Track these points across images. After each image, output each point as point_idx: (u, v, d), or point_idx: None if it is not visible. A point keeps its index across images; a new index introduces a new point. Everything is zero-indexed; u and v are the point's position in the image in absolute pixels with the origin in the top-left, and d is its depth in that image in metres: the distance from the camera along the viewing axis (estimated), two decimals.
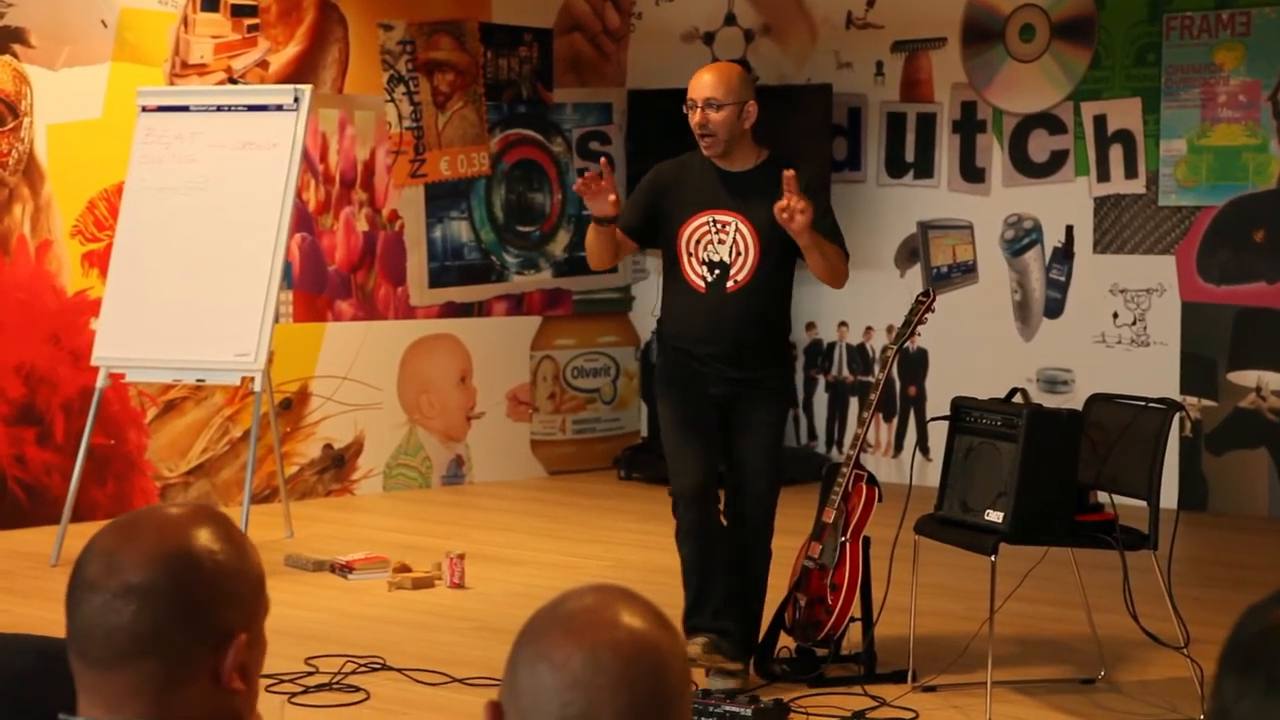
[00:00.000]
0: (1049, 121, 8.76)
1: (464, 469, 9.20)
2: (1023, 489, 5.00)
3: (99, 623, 1.71)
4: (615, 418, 9.83)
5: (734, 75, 5.25)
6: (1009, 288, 8.91)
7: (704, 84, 5.20)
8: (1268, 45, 8.15)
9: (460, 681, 5.29)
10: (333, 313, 8.68)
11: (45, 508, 7.57)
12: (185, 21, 8.13)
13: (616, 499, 8.82)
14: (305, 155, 7.75)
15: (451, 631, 5.98)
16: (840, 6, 9.33)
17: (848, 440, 9.20)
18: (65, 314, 7.76)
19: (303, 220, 8.49)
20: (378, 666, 5.44)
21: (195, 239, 7.12)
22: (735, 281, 5.21)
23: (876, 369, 9.19)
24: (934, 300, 5.53)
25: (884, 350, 9.03)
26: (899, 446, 9.20)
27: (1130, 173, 8.54)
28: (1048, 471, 5.02)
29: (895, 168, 9.24)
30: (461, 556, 6.70)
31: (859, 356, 9.40)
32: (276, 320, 7.28)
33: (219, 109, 7.32)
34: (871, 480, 5.38)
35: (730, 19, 9.68)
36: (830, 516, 5.35)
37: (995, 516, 5.06)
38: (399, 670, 5.41)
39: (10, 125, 7.66)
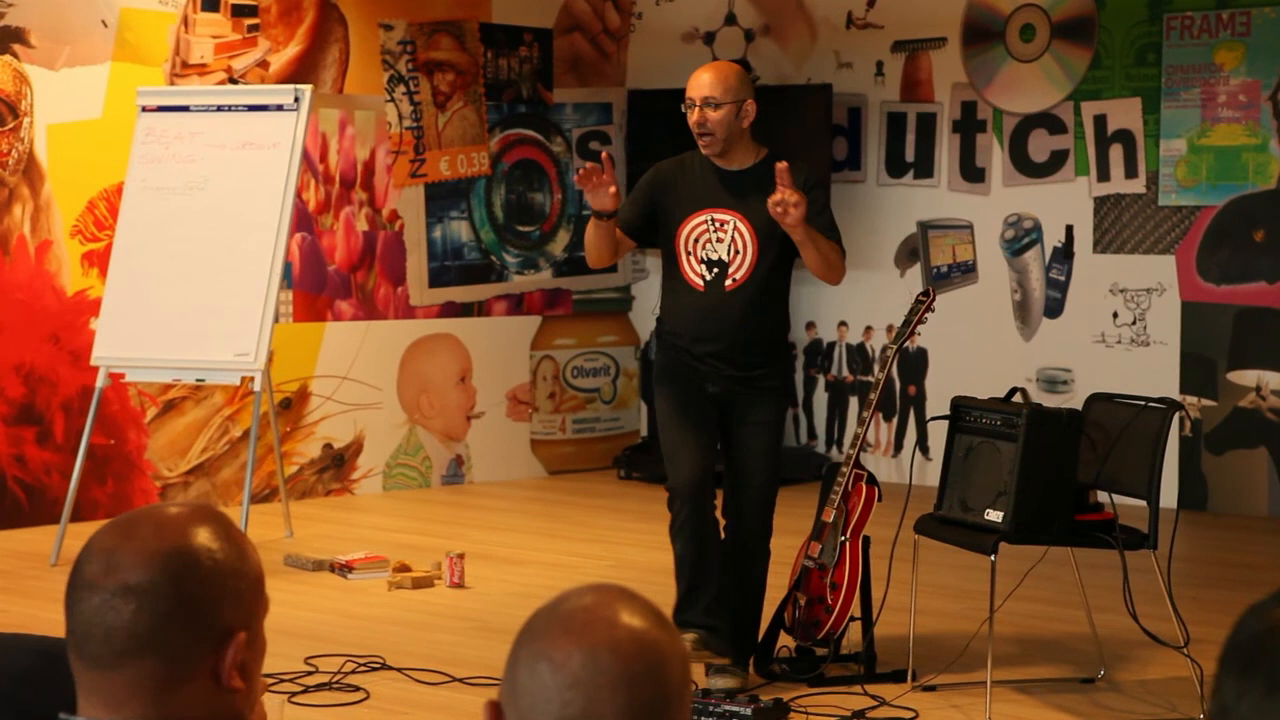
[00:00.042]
0: (1049, 121, 8.76)
1: (464, 469, 9.20)
2: (1023, 488, 5.00)
3: (98, 622, 1.71)
4: (615, 417, 9.84)
5: (732, 74, 5.24)
6: (1009, 287, 8.91)
7: (702, 83, 5.20)
8: (1268, 45, 8.15)
9: (460, 681, 5.29)
10: (333, 312, 8.68)
11: (45, 507, 7.57)
12: (185, 21, 8.13)
13: (616, 499, 8.82)
14: (305, 155, 7.75)
15: (451, 631, 5.98)
16: (840, 6, 9.33)
17: (847, 440, 9.21)
18: (65, 314, 7.76)
19: (303, 220, 8.49)
20: (378, 666, 5.44)
21: (195, 239, 7.12)
22: (734, 280, 5.21)
23: (876, 368, 9.19)
24: (934, 300, 5.53)
25: (884, 350, 9.04)
26: (899, 446, 9.20)
27: (1130, 172, 8.54)
28: (1048, 471, 5.02)
29: (895, 168, 9.24)
30: (461, 556, 6.70)
31: (859, 356, 9.40)
32: (276, 320, 7.29)
33: (219, 109, 7.32)
34: (871, 480, 5.38)
35: (730, 19, 9.68)
36: (830, 516, 5.35)
37: (995, 516, 5.06)
38: (399, 670, 5.41)
39: (10, 125, 7.66)
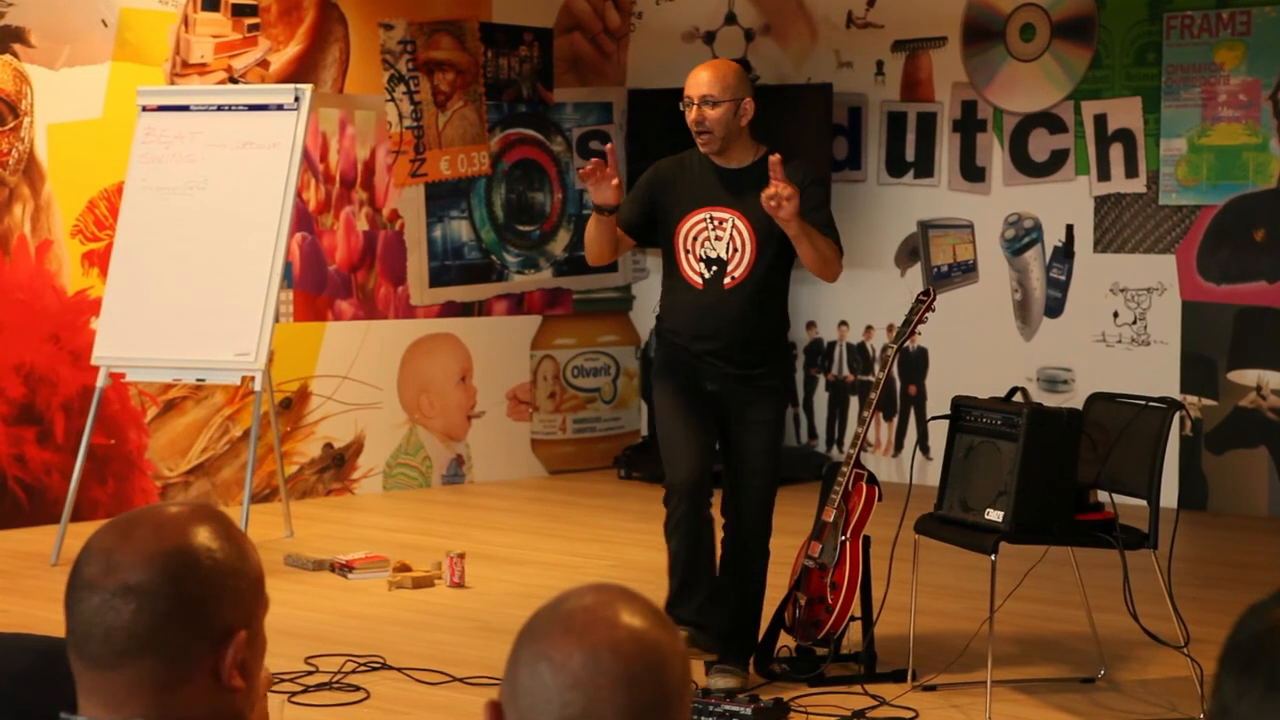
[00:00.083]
0: (1049, 121, 8.76)
1: (464, 468, 9.20)
2: (1023, 488, 4.99)
3: (98, 622, 1.71)
4: (615, 417, 9.83)
5: (730, 72, 5.24)
6: (1009, 287, 8.91)
7: (700, 81, 5.20)
8: (1268, 45, 8.15)
9: (460, 681, 5.29)
10: (333, 312, 8.68)
11: (45, 507, 7.57)
12: (185, 21, 8.13)
13: (616, 498, 8.82)
14: (305, 155, 7.75)
15: (451, 631, 5.98)
16: (840, 6, 9.33)
17: (848, 439, 9.21)
18: (65, 314, 7.76)
19: (303, 220, 8.49)
20: (378, 666, 5.44)
21: (195, 239, 7.12)
22: (732, 278, 5.21)
23: (877, 368, 9.19)
24: (934, 299, 5.53)
25: (884, 349, 9.04)
26: (899, 446, 9.20)
27: (1130, 172, 8.54)
28: (1048, 471, 5.02)
29: (895, 167, 9.24)
30: (461, 556, 6.70)
31: (859, 356, 9.40)
32: (277, 320, 7.28)
33: (219, 108, 7.32)
34: (872, 479, 5.38)
35: (730, 18, 9.68)
36: (830, 515, 5.35)
37: (995, 516, 5.06)
38: (399, 670, 5.41)
39: (10, 125, 7.66)
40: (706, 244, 5.24)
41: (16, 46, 7.65)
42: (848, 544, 5.32)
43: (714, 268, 5.23)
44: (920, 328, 5.52)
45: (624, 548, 7.42)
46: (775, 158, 5.00)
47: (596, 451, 9.71)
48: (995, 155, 8.93)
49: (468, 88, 9.16)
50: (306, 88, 7.24)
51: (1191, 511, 8.15)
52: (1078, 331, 8.68)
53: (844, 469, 5.35)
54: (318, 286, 8.62)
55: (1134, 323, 8.53)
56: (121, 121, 7.65)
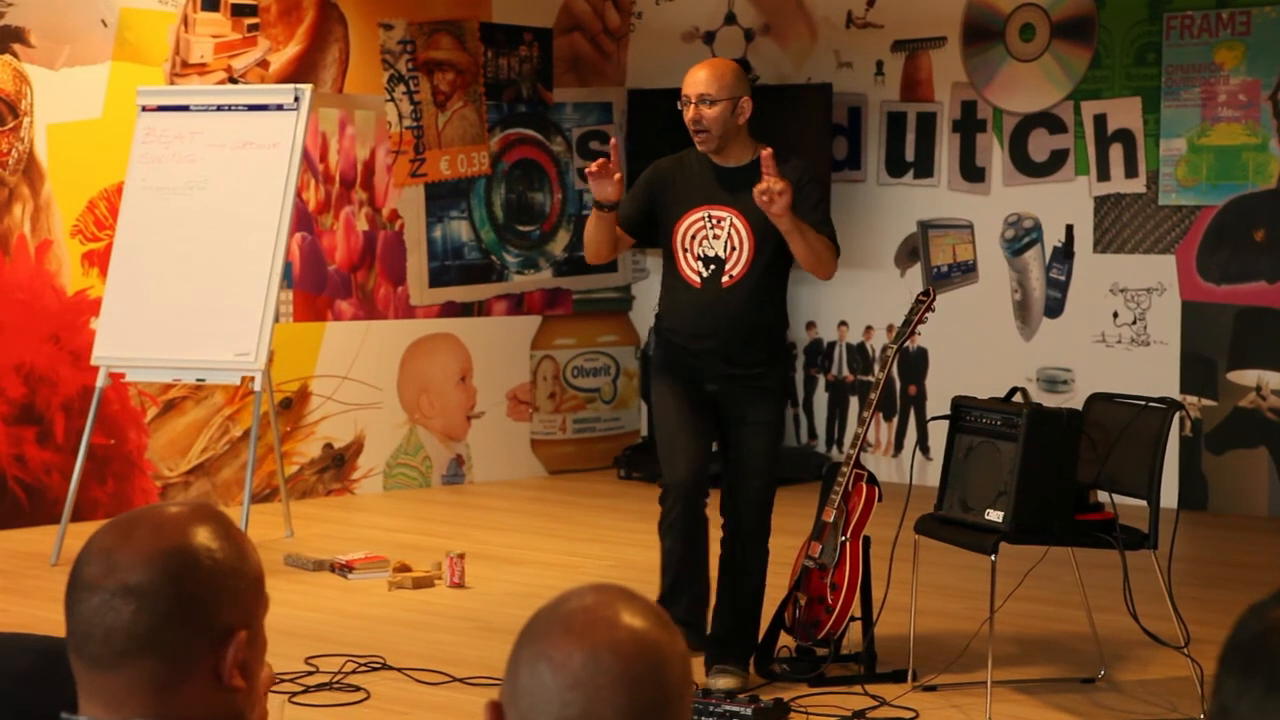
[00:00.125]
0: (1049, 121, 8.76)
1: (464, 468, 9.19)
2: (1023, 488, 4.99)
3: (98, 622, 1.71)
4: (615, 417, 9.83)
5: (728, 71, 5.24)
6: (1009, 287, 8.91)
7: (698, 80, 5.21)
8: (1268, 45, 8.15)
9: (460, 681, 5.29)
10: (333, 312, 8.68)
11: (45, 507, 7.57)
12: (185, 21, 8.13)
13: (616, 499, 8.82)
14: (305, 155, 7.75)
15: (451, 631, 5.98)
16: (840, 6, 9.33)
17: (848, 439, 9.21)
18: (65, 314, 7.76)
19: (303, 220, 8.49)
20: (378, 666, 5.44)
21: (195, 239, 7.12)
22: (730, 276, 5.21)
23: (876, 368, 9.19)
24: (934, 300, 5.52)
25: (884, 350, 9.04)
26: (899, 446, 9.20)
27: (1130, 172, 8.54)
28: (1048, 471, 5.02)
29: (895, 167, 9.24)
30: (461, 556, 6.70)
31: (859, 356, 9.39)
32: (276, 320, 7.28)
33: (219, 109, 7.32)
34: (871, 479, 5.38)
35: (730, 18, 9.68)
36: (830, 516, 5.35)
37: (995, 516, 5.06)
38: (399, 670, 5.41)
39: (10, 125, 7.66)
40: (704, 242, 5.24)
41: (16, 46, 7.65)
42: (848, 544, 5.32)
43: (712, 266, 5.23)
44: (920, 328, 5.52)
45: (624, 548, 7.42)
46: (767, 152, 5.00)
47: (596, 452, 9.71)
48: (995, 155, 8.93)
49: (467, 88, 9.16)
50: (306, 88, 7.24)
51: (1191, 512, 8.15)
52: (1077, 332, 8.68)
53: (844, 469, 5.35)
54: (318, 286, 8.62)
55: (1134, 323, 8.53)
56: (121, 121, 7.65)
